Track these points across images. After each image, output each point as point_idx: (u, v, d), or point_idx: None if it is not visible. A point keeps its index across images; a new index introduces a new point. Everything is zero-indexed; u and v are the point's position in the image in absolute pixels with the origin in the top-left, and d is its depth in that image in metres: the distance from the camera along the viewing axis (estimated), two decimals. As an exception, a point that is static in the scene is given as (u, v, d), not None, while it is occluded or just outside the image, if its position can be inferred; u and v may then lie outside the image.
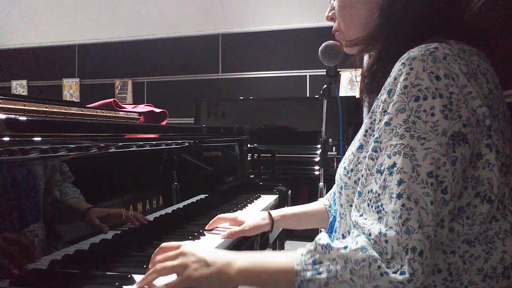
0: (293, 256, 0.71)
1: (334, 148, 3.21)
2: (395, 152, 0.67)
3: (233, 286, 0.76)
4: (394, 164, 0.66)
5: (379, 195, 0.67)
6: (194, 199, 1.49)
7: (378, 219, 0.66)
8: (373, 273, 0.62)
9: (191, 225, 1.31)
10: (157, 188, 1.26)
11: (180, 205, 1.37)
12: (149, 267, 0.81)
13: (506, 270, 0.69)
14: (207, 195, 1.60)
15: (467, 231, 0.68)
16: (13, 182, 0.75)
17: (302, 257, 0.70)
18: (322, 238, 0.71)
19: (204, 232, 1.18)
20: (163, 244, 0.84)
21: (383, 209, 0.66)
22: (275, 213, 1.18)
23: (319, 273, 0.67)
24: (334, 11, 0.92)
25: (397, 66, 0.71)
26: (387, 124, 0.69)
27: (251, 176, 2.25)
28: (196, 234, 1.13)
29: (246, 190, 1.98)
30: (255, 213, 1.21)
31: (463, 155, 0.66)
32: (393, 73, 0.71)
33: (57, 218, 0.85)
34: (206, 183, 1.67)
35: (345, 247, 0.66)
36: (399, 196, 0.64)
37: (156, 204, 1.22)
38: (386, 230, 0.64)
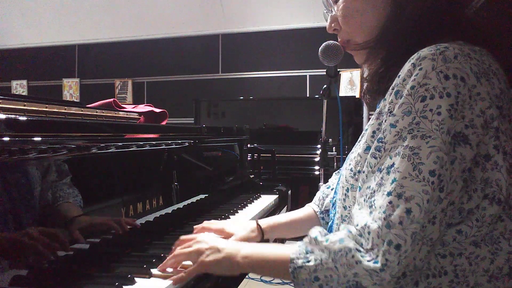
0: (291, 247, 0.77)
1: (334, 148, 3.21)
2: (396, 153, 0.68)
3: (239, 271, 0.84)
4: (392, 165, 0.68)
5: (374, 191, 0.70)
6: (194, 199, 1.49)
7: (369, 213, 0.69)
8: (349, 261, 0.67)
9: (191, 225, 1.30)
10: (157, 188, 1.26)
11: (180, 205, 1.37)
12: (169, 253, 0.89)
13: None
14: (207, 195, 1.59)
15: (476, 232, 0.69)
16: (13, 182, 0.75)
17: (298, 247, 0.75)
18: (313, 231, 0.77)
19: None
20: (182, 237, 0.94)
21: (374, 204, 0.69)
22: (265, 223, 1.11)
23: (308, 261, 0.72)
24: (336, 22, 0.88)
25: (407, 66, 0.71)
26: (393, 126, 0.70)
27: (251, 176, 2.25)
28: (196, 234, 1.13)
29: (246, 190, 1.98)
30: (244, 224, 1.14)
31: (462, 155, 0.66)
32: (402, 73, 0.71)
33: (57, 218, 0.85)
34: (206, 183, 1.67)
35: (327, 240, 0.72)
36: (389, 193, 0.67)
37: (156, 204, 1.22)
38: (371, 223, 0.68)
